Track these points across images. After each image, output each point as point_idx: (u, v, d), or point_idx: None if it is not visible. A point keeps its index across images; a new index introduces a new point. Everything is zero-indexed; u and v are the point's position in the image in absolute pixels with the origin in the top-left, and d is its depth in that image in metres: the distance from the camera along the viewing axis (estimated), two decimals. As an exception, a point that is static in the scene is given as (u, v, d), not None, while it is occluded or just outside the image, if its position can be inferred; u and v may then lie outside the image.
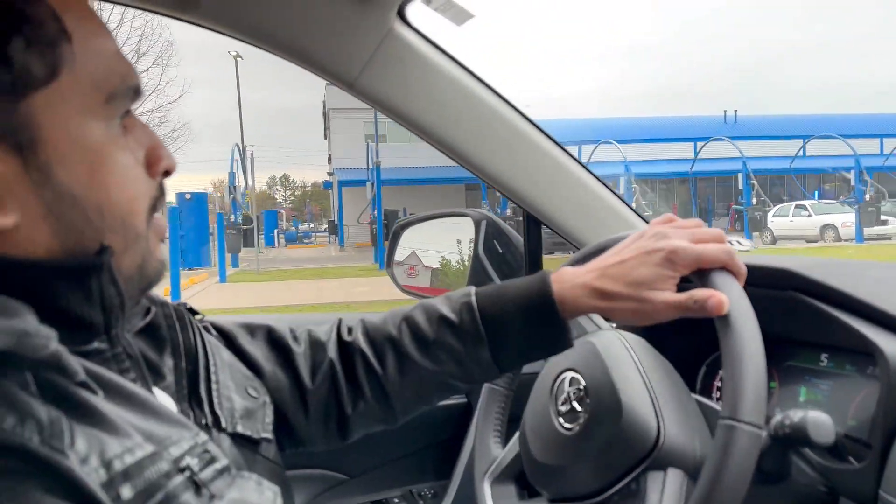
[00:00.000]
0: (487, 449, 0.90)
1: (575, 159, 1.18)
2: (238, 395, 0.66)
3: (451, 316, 0.75)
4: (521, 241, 1.38)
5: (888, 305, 0.77)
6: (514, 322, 0.72)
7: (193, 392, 0.62)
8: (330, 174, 25.89)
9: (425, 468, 1.28)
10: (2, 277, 0.44)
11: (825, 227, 21.08)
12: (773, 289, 0.86)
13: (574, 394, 0.77)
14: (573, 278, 0.72)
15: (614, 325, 0.87)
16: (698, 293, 0.65)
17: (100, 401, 0.45)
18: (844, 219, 20.46)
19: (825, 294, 0.82)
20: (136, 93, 0.51)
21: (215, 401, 0.63)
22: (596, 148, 19.37)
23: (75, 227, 0.48)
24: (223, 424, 0.62)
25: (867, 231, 19.01)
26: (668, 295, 0.68)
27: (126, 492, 0.41)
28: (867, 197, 18.75)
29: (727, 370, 0.62)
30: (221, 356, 0.68)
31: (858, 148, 19.99)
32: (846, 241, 19.81)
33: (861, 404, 0.88)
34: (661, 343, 0.83)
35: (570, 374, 0.79)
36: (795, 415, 0.70)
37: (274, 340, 0.77)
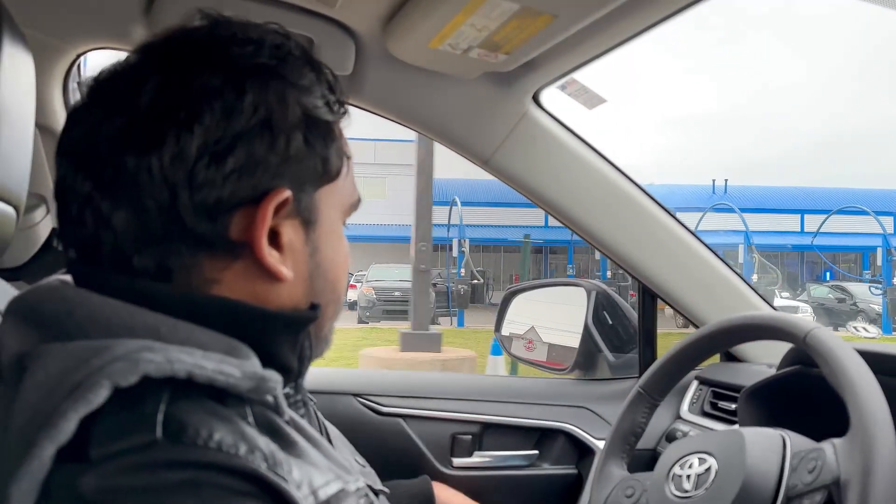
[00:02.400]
0: None
1: (696, 237, 1.20)
2: (353, 457, 0.74)
3: None
4: (633, 314, 1.40)
5: None
6: None
7: None
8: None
9: None
10: (235, 322, 0.52)
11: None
12: None
13: (698, 465, 0.78)
14: None
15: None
16: None
17: (299, 437, 0.52)
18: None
19: None
20: (357, 206, 0.65)
21: (339, 457, 0.69)
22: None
23: (318, 293, 0.58)
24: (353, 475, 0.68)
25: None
26: None
27: None
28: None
29: None
30: (334, 428, 0.76)
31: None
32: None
33: None
34: (782, 425, 0.83)
35: (695, 457, 0.79)
36: None
37: None
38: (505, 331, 1.63)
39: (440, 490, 0.98)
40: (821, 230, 16.98)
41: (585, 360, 1.42)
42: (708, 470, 0.75)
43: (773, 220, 22.86)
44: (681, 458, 0.79)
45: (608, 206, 1.15)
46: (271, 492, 0.44)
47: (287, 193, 0.53)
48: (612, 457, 0.91)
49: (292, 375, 0.57)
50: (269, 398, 0.49)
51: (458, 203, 15.95)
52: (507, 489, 1.26)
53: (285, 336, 0.55)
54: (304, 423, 0.56)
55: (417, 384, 1.30)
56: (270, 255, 0.53)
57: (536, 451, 1.28)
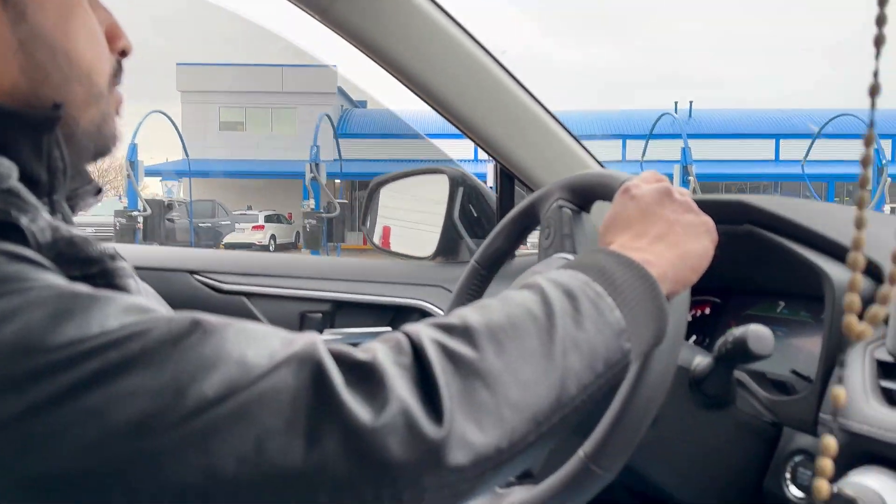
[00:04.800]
0: None
1: (546, 110, 1.19)
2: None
3: None
4: (493, 198, 1.39)
5: (839, 236, 0.78)
6: None
7: None
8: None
9: None
10: None
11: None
12: (729, 223, 0.87)
13: None
14: None
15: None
16: None
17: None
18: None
19: (779, 226, 0.84)
20: None
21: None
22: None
23: (43, 68, 0.49)
24: None
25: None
26: None
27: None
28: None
29: None
30: (149, 288, 0.70)
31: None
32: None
33: (812, 346, 0.89)
34: None
35: None
36: (737, 330, 0.71)
37: None
38: (369, 223, 1.60)
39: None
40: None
41: (447, 246, 1.41)
42: None
43: (744, 146, 21.10)
44: None
45: (457, 72, 1.10)
46: None
47: None
48: None
49: (42, 188, 0.50)
50: (6, 188, 0.42)
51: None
52: None
53: (22, 138, 0.48)
54: None
55: (262, 263, 1.24)
56: None
57: (390, 329, 1.27)
